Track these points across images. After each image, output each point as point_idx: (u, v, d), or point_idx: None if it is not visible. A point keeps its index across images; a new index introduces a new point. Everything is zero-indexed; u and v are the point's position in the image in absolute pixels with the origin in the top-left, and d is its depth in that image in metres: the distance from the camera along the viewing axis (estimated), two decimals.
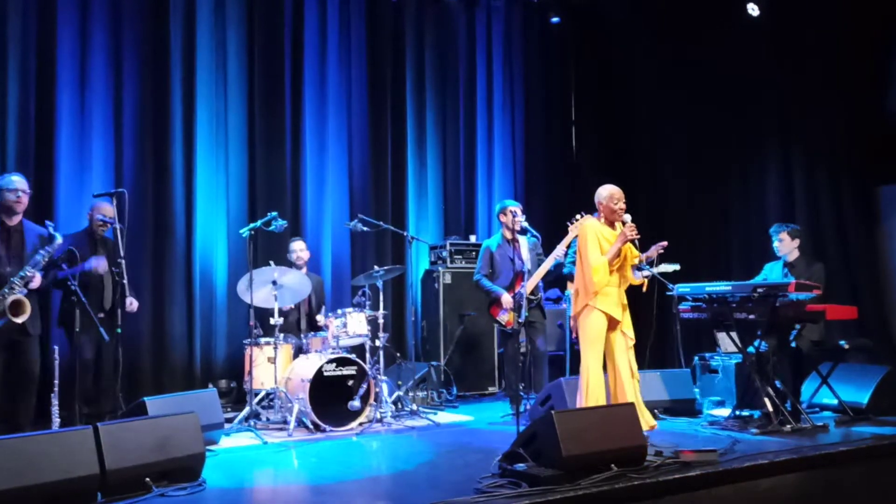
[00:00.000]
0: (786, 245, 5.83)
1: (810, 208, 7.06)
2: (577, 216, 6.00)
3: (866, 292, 6.63)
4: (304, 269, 6.41)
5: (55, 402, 4.63)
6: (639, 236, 4.74)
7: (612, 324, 4.73)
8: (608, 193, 4.89)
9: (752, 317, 5.32)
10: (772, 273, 5.92)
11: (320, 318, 6.13)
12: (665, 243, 5.00)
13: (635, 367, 4.77)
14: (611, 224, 4.88)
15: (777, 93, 7.31)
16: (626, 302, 4.84)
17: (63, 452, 3.39)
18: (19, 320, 4.23)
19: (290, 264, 6.34)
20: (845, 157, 6.91)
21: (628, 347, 4.76)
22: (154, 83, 6.68)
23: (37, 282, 4.30)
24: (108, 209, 5.12)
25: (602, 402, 4.63)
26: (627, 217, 4.80)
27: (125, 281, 4.77)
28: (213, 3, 7.01)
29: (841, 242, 6.86)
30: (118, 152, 6.53)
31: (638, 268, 5.14)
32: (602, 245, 4.79)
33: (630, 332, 4.80)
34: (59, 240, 4.38)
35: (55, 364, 4.64)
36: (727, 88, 7.60)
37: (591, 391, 4.63)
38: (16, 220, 4.40)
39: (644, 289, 5.02)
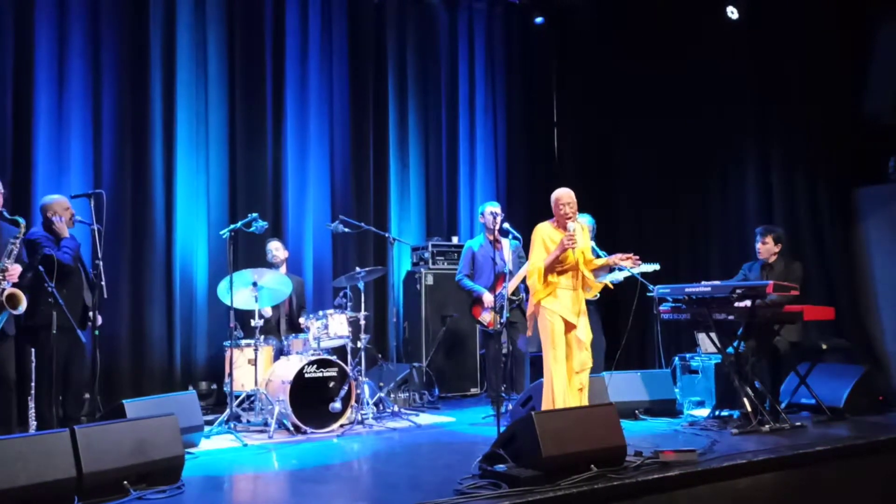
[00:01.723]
0: (767, 248, 5.88)
1: (788, 209, 7.12)
2: None
3: (843, 293, 6.70)
4: (284, 269, 6.38)
5: (31, 405, 4.58)
6: (574, 245, 4.72)
7: (569, 327, 4.77)
8: (556, 197, 4.91)
9: (731, 317, 5.36)
10: (751, 273, 5.97)
11: (303, 321, 6.11)
12: (630, 255, 4.98)
13: (585, 379, 4.78)
14: (563, 227, 4.85)
15: (756, 94, 7.38)
16: (583, 307, 4.84)
17: (39, 455, 3.35)
18: (17, 312, 4.20)
19: (270, 265, 6.31)
20: (823, 159, 6.97)
21: (582, 350, 4.78)
22: (133, 83, 6.63)
23: (16, 272, 4.25)
24: (63, 204, 5.01)
25: (570, 405, 4.66)
26: (571, 225, 4.77)
27: (103, 283, 4.72)
28: (193, 2, 6.96)
29: (818, 243, 6.93)
30: (97, 153, 6.46)
31: (611, 270, 5.18)
32: (548, 248, 4.80)
33: (584, 337, 4.80)
34: (23, 222, 4.33)
35: (31, 367, 4.59)
36: (708, 90, 7.66)
37: (557, 396, 4.67)
38: None
39: (611, 286, 4.99)
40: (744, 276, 5.98)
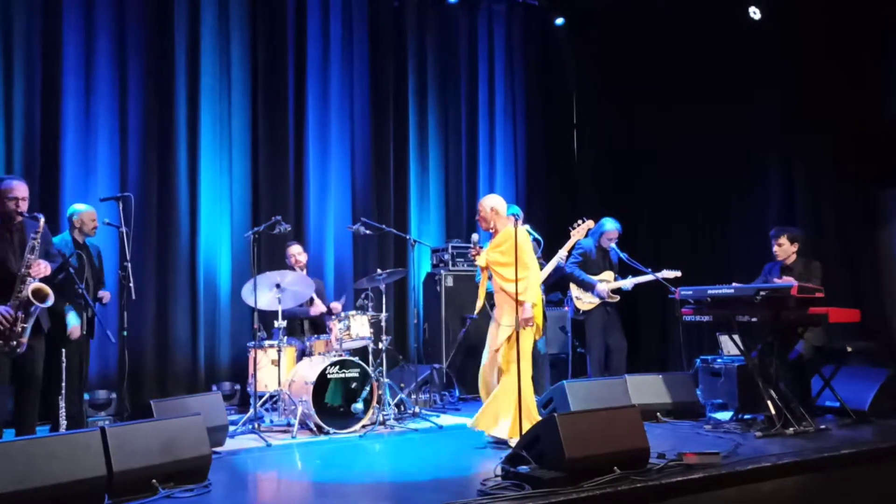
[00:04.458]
0: (784, 250, 5.83)
1: (812, 211, 7.08)
2: (579, 221, 6.08)
3: (869, 295, 6.64)
4: (304, 273, 6.42)
5: (62, 404, 4.65)
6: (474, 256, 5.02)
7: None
8: None
9: (754, 319, 5.32)
10: (771, 275, 5.93)
11: (335, 306, 6.18)
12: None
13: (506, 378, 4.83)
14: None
15: (780, 95, 7.33)
16: (497, 316, 4.93)
17: (70, 454, 3.41)
18: (46, 305, 4.25)
19: (290, 269, 6.35)
20: (848, 160, 6.92)
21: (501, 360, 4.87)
22: (158, 88, 6.73)
23: (43, 268, 4.31)
24: (91, 215, 5.12)
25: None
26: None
27: (131, 284, 4.79)
28: (217, 8, 7.05)
29: (843, 245, 6.88)
30: (123, 156, 6.57)
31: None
32: None
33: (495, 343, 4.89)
34: (41, 217, 4.36)
35: (63, 367, 4.66)
36: (730, 91, 7.62)
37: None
38: (17, 219, 4.42)
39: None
40: (765, 278, 5.94)
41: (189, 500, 3.64)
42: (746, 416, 5.53)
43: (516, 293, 4.63)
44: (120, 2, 6.58)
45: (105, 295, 5.18)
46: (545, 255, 6.29)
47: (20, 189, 4.38)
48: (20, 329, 4.16)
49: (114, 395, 6.01)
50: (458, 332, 7.43)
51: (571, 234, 6.07)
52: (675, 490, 3.79)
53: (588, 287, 6.34)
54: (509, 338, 4.80)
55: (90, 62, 6.47)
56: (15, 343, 4.15)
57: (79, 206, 5.17)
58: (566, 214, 8.57)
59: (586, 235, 6.22)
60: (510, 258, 4.69)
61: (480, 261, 4.96)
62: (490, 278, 5.00)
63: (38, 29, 6.25)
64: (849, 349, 5.68)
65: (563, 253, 5.95)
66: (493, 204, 5.02)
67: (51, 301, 4.26)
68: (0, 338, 4.13)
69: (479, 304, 5.08)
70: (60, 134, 6.30)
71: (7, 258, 4.27)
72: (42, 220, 4.33)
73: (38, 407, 4.49)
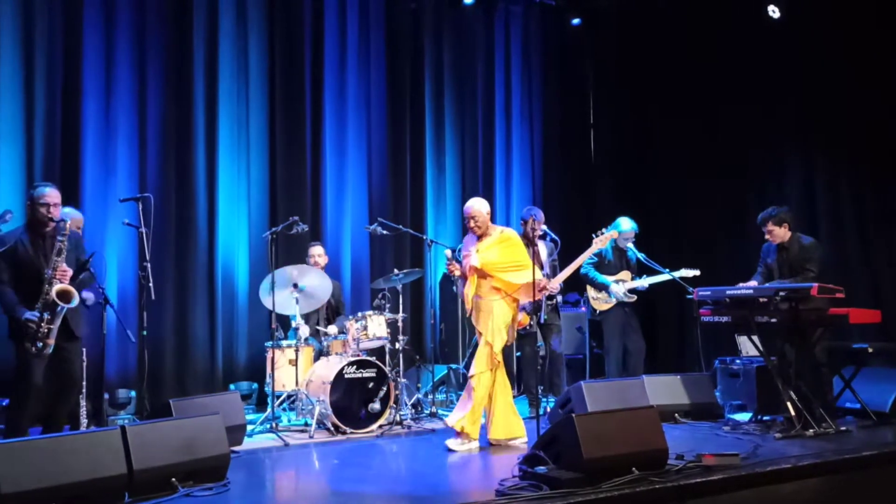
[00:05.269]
0: (776, 234, 5.76)
1: (832, 210, 7.01)
2: (603, 230, 6.08)
3: (889, 295, 6.57)
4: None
5: (83, 403, 4.70)
6: (449, 264, 5.24)
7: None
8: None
9: (773, 320, 5.28)
10: (768, 258, 5.88)
11: (333, 330, 6.15)
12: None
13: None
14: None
15: (799, 94, 7.27)
16: (490, 316, 5.04)
17: (91, 453, 3.46)
18: (72, 305, 4.31)
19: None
20: (868, 160, 6.85)
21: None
22: (177, 90, 6.77)
23: (69, 273, 4.37)
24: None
25: None
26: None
27: (151, 284, 4.83)
28: (235, 12, 7.09)
29: (863, 245, 6.81)
30: (142, 158, 6.61)
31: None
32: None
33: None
34: (67, 221, 4.44)
35: (83, 367, 4.71)
36: (748, 90, 7.57)
37: None
38: (50, 225, 4.48)
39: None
40: (763, 262, 5.90)
41: (208, 498, 3.67)
42: (766, 418, 5.48)
43: (534, 284, 4.73)
44: (140, 3, 6.64)
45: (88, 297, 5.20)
46: (561, 258, 6.28)
47: (52, 196, 4.45)
48: (46, 330, 4.22)
49: (133, 394, 6.06)
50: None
51: (594, 241, 6.07)
52: (694, 491, 3.77)
53: (602, 287, 6.33)
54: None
55: (110, 64, 6.52)
56: (41, 345, 4.21)
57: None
58: (583, 215, 8.58)
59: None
60: (511, 257, 4.95)
61: (474, 260, 4.97)
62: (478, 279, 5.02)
63: (59, 30, 6.30)
64: (870, 350, 5.62)
65: (556, 282, 6.00)
66: (488, 209, 5.16)
67: (76, 301, 4.33)
68: (27, 339, 4.19)
69: (469, 306, 5.15)
70: (80, 135, 6.35)
71: (39, 264, 4.34)
72: (68, 222, 4.41)
73: (72, 408, 4.55)
